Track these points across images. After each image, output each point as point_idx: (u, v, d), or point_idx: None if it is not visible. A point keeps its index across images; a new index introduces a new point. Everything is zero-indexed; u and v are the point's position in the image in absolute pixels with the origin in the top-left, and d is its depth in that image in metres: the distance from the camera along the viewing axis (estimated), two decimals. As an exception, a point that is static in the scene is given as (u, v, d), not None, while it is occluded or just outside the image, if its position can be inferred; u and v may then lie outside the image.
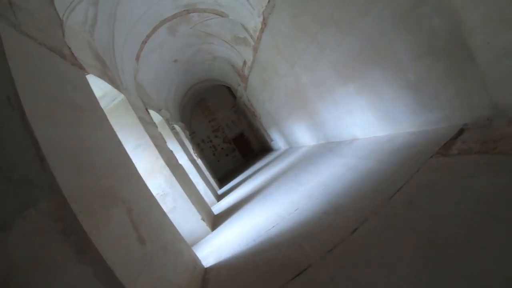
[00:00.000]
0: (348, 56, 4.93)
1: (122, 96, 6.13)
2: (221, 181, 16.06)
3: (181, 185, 6.08)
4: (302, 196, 4.65)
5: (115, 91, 5.91)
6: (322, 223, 3.33)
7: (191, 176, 9.40)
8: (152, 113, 8.80)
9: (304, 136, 9.53)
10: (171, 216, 5.91)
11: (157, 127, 7.51)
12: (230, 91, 18.90)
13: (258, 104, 13.27)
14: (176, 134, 10.40)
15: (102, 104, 5.97)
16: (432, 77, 3.83)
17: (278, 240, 3.58)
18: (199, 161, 12.74)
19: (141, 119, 6.28)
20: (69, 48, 4.35)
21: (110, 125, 4.19)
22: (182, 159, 9.53)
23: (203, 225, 6.05)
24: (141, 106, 7.15)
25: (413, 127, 4.63)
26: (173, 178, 5.97)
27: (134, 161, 6.10)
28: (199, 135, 19.76)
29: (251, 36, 8.32)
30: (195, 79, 14.45)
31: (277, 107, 10.41)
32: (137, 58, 7.80)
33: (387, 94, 4.73)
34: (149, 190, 4.07)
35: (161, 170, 5.99)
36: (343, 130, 6.74)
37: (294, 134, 10.42)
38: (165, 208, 5.89)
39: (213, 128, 20.10)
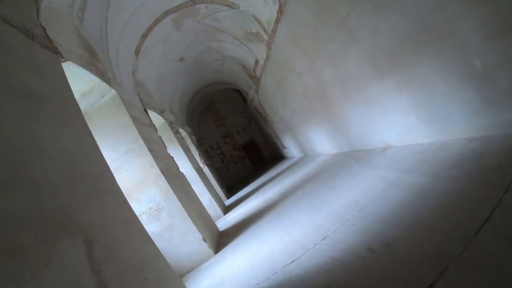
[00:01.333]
0: (389, 41, 3.92)
1: (113, 92, 5.24)
2: (230, 190, 15.05)
3: (179, 198, 5.10)
4: (330, 219, 3.60)
5: (105, 85, 5.02)
6: (367, 266, 2.29)
7: (194, 187, 8.44)
8: (153, 114, 7.90)
9: (322, 144, 8.48)
10: (166, 235, 4.94)
11: (156, 130, 6.58)
12: (240, 95, 17.99)
13: (270, 108, 12.29)
14: (180, 139, 9.48)
15: (89, 100, 5.10)
16: (507, 63, 2.82)
17: (302, 286, 2.54)
18: (206, 169, 11.79)
19: (135, 119, 5.37)
20: (44, 29, 3.48)
21: (84, 123, 3.27)
22: (185, 166, 8.58)
23: (204, 247, 5.04)
24: (139, 105, 6.25)
25: (474, 131, 3.59)
26: (170, 190, 5.00)
27: (124, 168, 5.18)
28: (208, 141, 18.85)
29: (264, 29, 7.37)
30: (203, 81, 13.57)
31: (292, 111, 9.40)
32: (137, 52, 6.92)
33: (439, 89, 3.70)
34: (129, 209, 3.10)
35: (156, 179, 5.03)
36: (373, 136, 5.69)
37: (311, 141, 9.37)
38: (159, 226, 4.93)
39: (222, 134, 19.17)
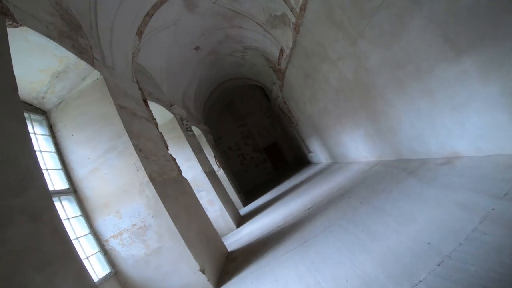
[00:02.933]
0: (472, 1, 2.53)
1: (97, 74, 4.13)
2: (248, 196, 13.77)
3: (172, 213, 3.89)
4: (387, 272, 2.24)
5: (85, 65, 3.92)
6: None
7: (203, 194, 7.25)
8: (158, 108, 6.78)
9: (357, 149, 7.04)
10: (152, 262, 3.75)
11: (156, 125, 5.42)
12: (263, 92, 16.73)
13: (296, 107, 10.94)
14: (191, 138, 8.32)
15: (66, 84, 3.99)
16: None
17: None
18: (220, 173, 10.58)
19: (123, 110, 4.22)
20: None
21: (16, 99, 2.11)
22: (194, 170, 7.41)
23: (201, 280, 3.78)
24: (135, 94, 5.11)
25: None
26: (160, 203, 3.79)
27: (103, 171, 4.01)
28: (226, 142, 17.68)
29: (291, 8, 6.07)
30: (222, 75, 12.40)
31: (322, 109, 8.02)
32: (139, 33, 5.80)
33: None
34: (66, 242, 1.90)
35: (142, 188, 3.83)
36: (433, 141, 4.25)
37: (343, 145, 7.94)
38: (143, 248, 3.76)
39: (242, 135, 17.95)
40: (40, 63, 3.59)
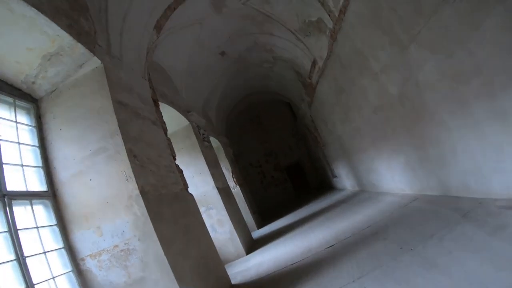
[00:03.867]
0: None
1: (96, 62, 3.55)
2: (264, 216, 12.87)
3: (163, 238, 3.15)
4: None
5: (83, 50, 3.35)
6: None
7: (212, 213, 6.53)
8: (173, 112, 6.18)
9: (393, 178, 6.08)
10: (131, 296, 2.98)
11: (164, 130, 4.78)
12: (290, 109, 15.99)
13: (324, 126, 10.11)
14: (208, 149, 7.66)
15: (60, 69, 3.45)
16: None
17: None
18: (236, 190, 9.82)
19: (122, 106, 3.61)
20: None
21: None
22: (206, 185, 6.71)
23: (190, 327, 2.98)
24: (143, 92, 4.51)
25: None
26: (149, 223, 3.06)
27: (88, 176, 3.34)
28: (247, 157, 16.94)
29: (329, 11, 5.37)
30: (249, 86, 11.81)
31: (354, 130, 7.15)
32: (158, 28, 5.26)
33: None
34: None
35: (130, 203, 3.13)
36: (498, 177, 3.32)
37: (375, 173, 6.99)
38: (124, 276, 3.07)
39: (265, 152, 17.16)
40: (27, 40, 3.03)
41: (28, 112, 3.50)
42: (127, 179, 3.17)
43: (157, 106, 4.96)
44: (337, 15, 5.15)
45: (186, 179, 6.71)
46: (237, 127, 15.78)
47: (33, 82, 3.45)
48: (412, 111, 4.38)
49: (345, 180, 10.43)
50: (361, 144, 7.11)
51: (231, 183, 9.85)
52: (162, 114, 5.20)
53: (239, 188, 10.03)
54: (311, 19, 6.24)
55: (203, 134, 7.83)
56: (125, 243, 3.09)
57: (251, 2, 6.41)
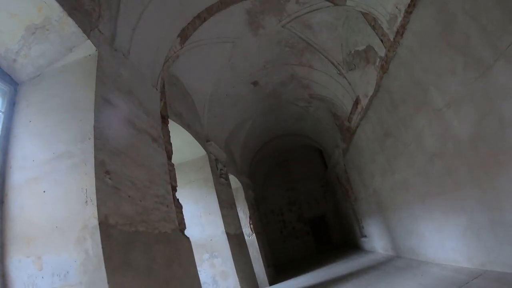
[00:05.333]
0: None
1: (92, 50, 2.81)
2: (279, 270, 11.28)
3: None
4: None
5: (74, 28, 2.67)
6: None
7: (216, 262, 5.40)
8: (188, 138, 5.37)
9: (443, 245, 4.70)
10: None
11: (168, 152, 3.91)
12: (322, 157, 14.87)
13: (359, 177, 8.88)
14: (224, 187, 6.68)
15: (44, 48, 2.93)
16: None
17: None
18: (252, 238, 8.59)
19: (106, 104, 2.78)
20: None
21: None
22: (214, 229, 5.68)
23: None
24: (149, 102, 3.72)
25: None
26: (103, 272, 2.05)
27: (42, 187, 2.23)
28: (270, 204, 15.67)
29: (382, 35, 4.52)
30: (280, 127, 10.95)
31: (398, 183, 5.92)
32: (183, 36, 4.63)
33: None
34: None
35: (83, 234, 2.18)
36: None
37: (418, 236, 5.59)
38: None
39: (289, 200, 15.85)
40: (10, 3, 2.39)
41: (3, 95, 2.79)
42: (86, 201, 2.23)
43: (165, 123, 4.15)
44: (392, 39, 4.28)
45: (192, 217, 5.65)
46: (262, 169, 14.76)
47: (15, 60, 2.79)
48: (489, 158, 3.22)
49: (376, 241, 8.90)
50: (404, 200, 5.83)
51: (247, 229, 8.67)
52: (174, 137, 4.38)
53: (255, 237, 8.79)
54: (359, 48, 5.42)
55: (221, 170, 6.91)
56: (66, 289, 2.08)
57: (292, 26, 5.73)
